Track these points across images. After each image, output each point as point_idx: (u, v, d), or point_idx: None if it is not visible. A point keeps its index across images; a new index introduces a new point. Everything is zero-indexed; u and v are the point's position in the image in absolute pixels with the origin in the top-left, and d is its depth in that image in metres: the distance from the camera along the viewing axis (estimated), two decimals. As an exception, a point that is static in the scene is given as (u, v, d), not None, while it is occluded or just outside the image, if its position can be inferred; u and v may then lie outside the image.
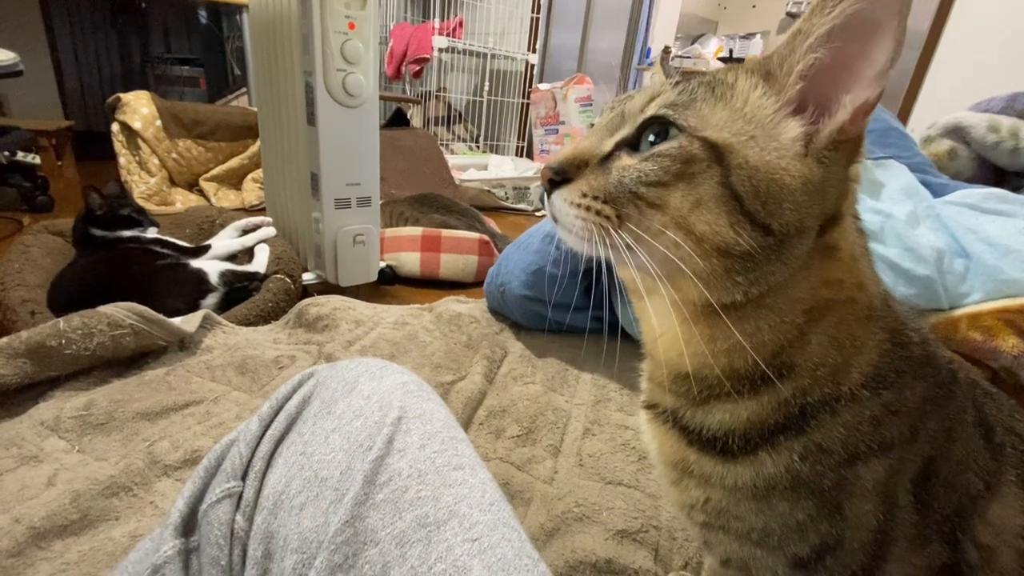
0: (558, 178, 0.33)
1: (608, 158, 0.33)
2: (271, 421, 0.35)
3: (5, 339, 0.71)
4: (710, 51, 3.79)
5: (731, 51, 4.14)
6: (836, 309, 0.32)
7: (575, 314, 1.07)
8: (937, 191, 1.00)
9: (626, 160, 0.32)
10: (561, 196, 0.33)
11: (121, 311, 0.78)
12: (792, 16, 4.49)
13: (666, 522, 0.63)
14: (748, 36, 4.25)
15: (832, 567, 0.33)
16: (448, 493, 0.30)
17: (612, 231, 0.31)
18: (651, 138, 0.31)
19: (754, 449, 0.33)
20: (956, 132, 1.19)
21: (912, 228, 0.86)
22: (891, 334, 0.33)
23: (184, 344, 0.87)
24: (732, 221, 0.29)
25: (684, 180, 0.30)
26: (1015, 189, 0.98)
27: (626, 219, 0.31)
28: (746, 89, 0.31)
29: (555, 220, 0.34)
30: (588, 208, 0.32)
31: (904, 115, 2.08)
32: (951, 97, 1.90)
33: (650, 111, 0.32)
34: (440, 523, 0.28)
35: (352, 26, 1.02)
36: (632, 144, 0.32)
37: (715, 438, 0.34)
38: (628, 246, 0.31)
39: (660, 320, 0.35)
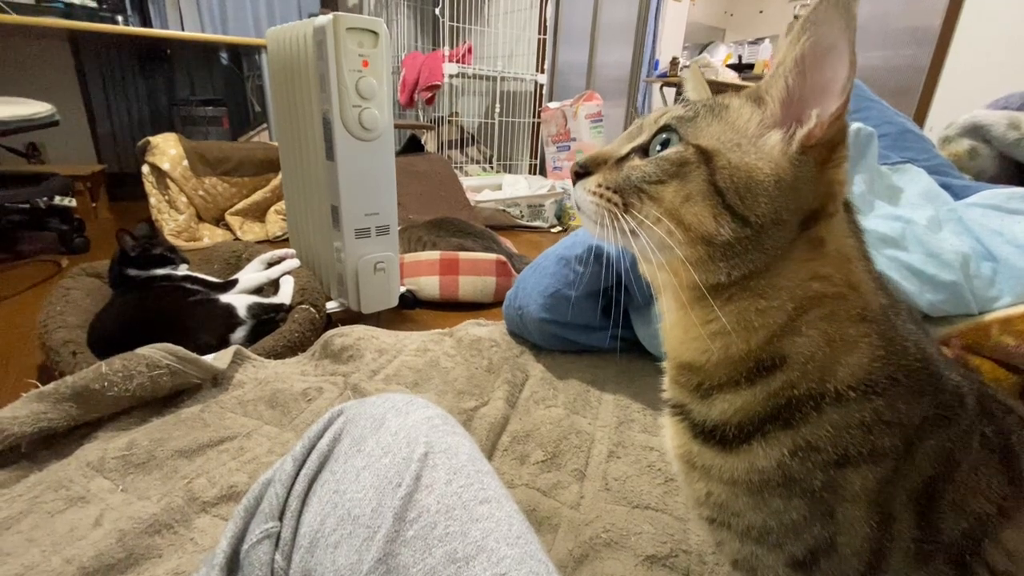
0: (582, 171, 0.40)
1: (624, 159, 0.39)
2: (304, 460, 0.36)
3: (52, 385, 0.74)
4: (719, 59, 3.78)
5: (740, 57, 4.12)
6: (826, 304, 0.34)
7: (594, 334, 1.07)
8: (959, 192, 0.98)
9: (636, 162, 0.38)
10: (582, 186, 0.39)
11: (159, 352, 0.82)
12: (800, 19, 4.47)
13: (696, 546, 0.63)
14: (756, 41, 4.23)
15: (827, 571, 0.35)
16: (475, 528, 0.30)
17: (619, 216, 0.36)
18: (658, 147, 0.37)
19: (747, 439, 0.35)
20: (975, 131, 1.17)
21: (934, 233, 0.84)
22: (887, 342, 0.34)
23: (217, 380, 0.90)
24: (715, 213, 0.33)
25: (678, 178, 0.35)
26: (1041, 187, 0.95)
27: (631, 207, 0.36)
28: (737, 108, 0.36)
29: (578, 208, 0.40)
30: (601, 196, 0.38)
31: (921, 114, 2.04)
32: (967, 95, 1.86)
33: (662, 121, 0.38)
34: (468, 558, 0.29)
35: (366, 64, 1.06)
36: (644, 150, 0.38)
37: (715, 428, 0.37)
38: (632, 231, 0.36)
39: (668, 309, 0.40)
